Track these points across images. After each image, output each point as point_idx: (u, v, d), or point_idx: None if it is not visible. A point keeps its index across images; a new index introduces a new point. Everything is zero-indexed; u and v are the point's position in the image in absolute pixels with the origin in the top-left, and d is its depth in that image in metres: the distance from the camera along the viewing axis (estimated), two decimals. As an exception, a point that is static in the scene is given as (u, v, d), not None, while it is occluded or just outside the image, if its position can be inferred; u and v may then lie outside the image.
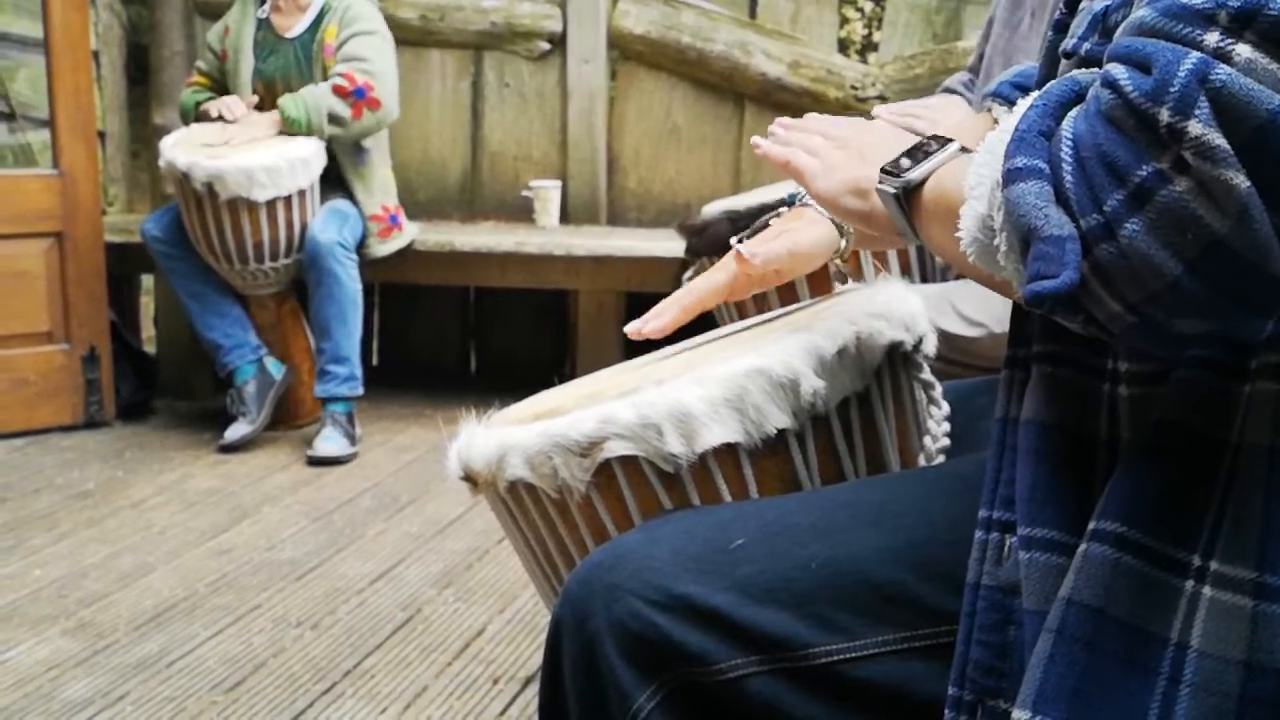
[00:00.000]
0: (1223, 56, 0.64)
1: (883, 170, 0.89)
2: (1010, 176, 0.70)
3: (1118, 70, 0.67)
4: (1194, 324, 0.68)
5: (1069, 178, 0.68)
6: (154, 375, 4.11)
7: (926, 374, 1.15)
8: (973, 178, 0.75)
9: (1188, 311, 0.67)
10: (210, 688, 2.08)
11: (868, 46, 4.19)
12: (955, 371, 1.55)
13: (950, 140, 0.88)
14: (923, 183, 0.87)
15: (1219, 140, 0.63)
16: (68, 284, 3.68)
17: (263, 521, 2.93)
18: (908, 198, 0.87)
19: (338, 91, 3.46)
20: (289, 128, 3.45)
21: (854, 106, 3.95)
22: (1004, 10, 1.80)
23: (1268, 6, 0.63)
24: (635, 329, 1.15)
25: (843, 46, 4.17)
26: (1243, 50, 0.64)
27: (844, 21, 4.17)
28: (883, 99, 3.93)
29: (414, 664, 2.18)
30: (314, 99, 3.45)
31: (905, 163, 0.88)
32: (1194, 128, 0.63)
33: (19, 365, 3.62)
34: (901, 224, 0.89)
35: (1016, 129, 0.72)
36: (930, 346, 1.15)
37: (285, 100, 3.45)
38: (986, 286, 0.83)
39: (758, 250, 1.13)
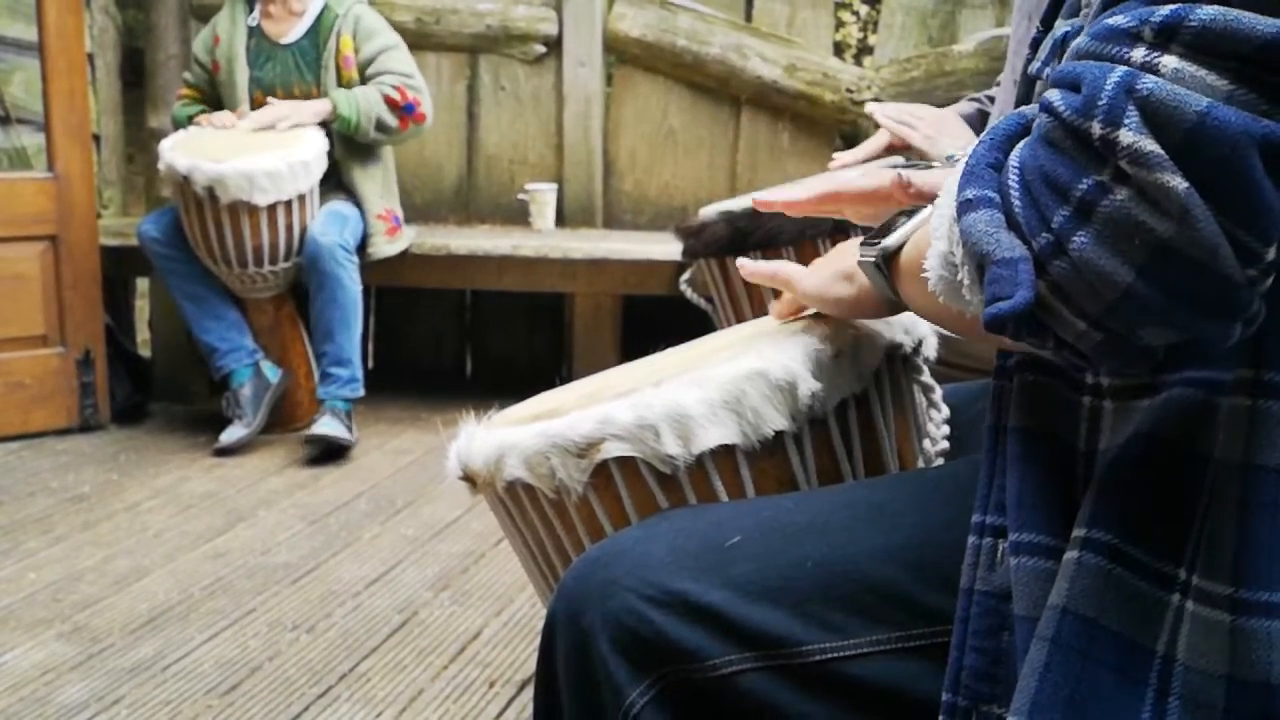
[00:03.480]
0: (1150, 69, 0.65)
1: (862, 244, 0.93)
2: (962, 208, 0.72)
3: (1052, 94, 0.69)
4: (1158, 333, 0.69)
5: (1017, 202, 0.70)
6: (149, 378, 4.10)
7: (926, 377, 1.15)
8: (935, 220, 0.77)
9: (1147, 320, 0.68)
10: (206, 691, 2.07)
11: (863, 50, 4.20)
12: (955, 374, 1.55)
13: (922, 207, 0.92)
14: (900, 249, 0.91)
15: (1151, 145, 0.64)
16: (63, 287, 3.68)
17: (258, 525, 2.93)
18: (887, 264, 0.91)
19: (389, 103, 3.52)
20: (338, 124, 3.50)
21: (850, 110, 3.96)
22: (1015, 18, 1.81)
23: (1188, 18, 0.65)
24: (762, 199, 1.17)
25: (838, 50, 4.18)
26: (1169, 61, 0.65)
27: (840, 25, 4.17)
28: (878, 102, 3.94)
29: (410, 667, 2.17)
30: (367, 103, 3.50)
31: (882, 234, 0.93)
32: (1125, 136, 0.65)
33: (14, 369, 3.62)
34: (884, 290, 0.93)
35: (965, 165, 0.74)
36: (930, 349, 1.15)
37: (339, 96, 3.49)
38: (964, 337, 0.86)
39: (914, 178, 1.11)
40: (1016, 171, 0.70)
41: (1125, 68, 0.66)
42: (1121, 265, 0.66)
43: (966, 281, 0.73)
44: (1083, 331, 0.70)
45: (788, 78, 4.04)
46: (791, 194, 1.14)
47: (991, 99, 2.15)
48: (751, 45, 4.06)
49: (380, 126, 3.53)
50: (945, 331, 1.70)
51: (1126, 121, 0.65)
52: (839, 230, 2.29)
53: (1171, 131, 0.64)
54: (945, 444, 1.15)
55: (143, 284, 4.33)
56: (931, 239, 0.77)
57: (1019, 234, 0.70)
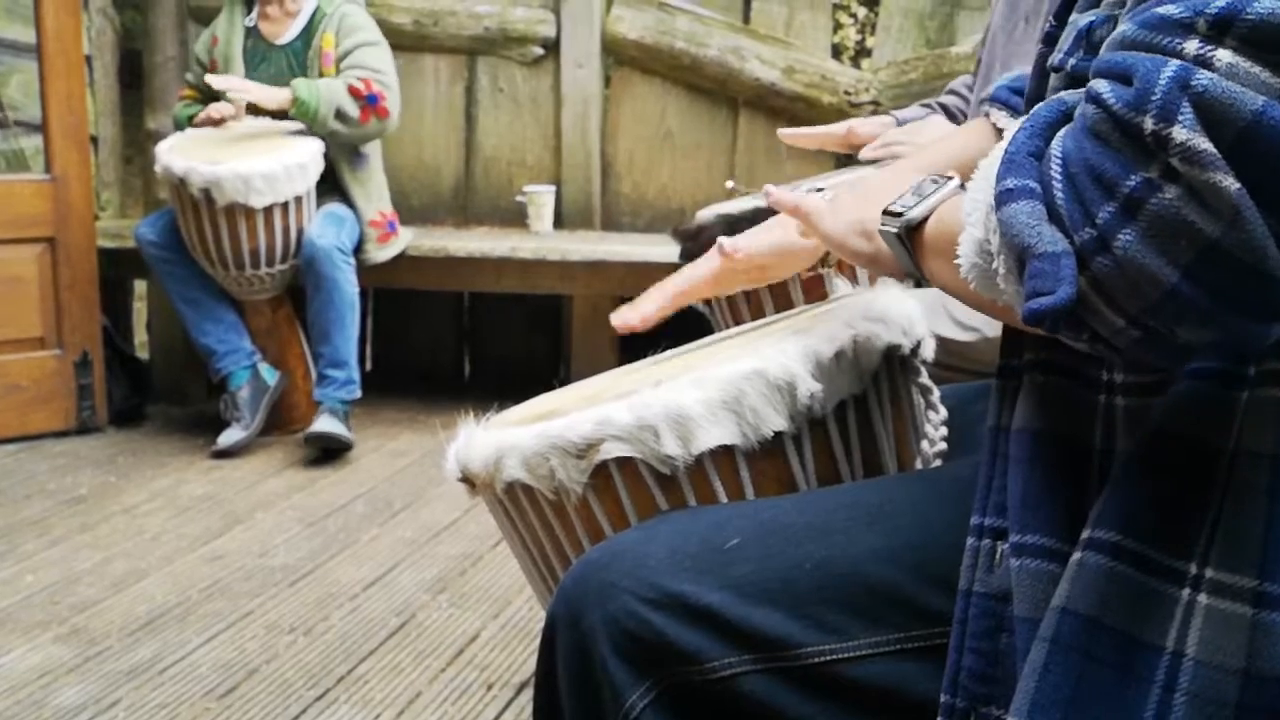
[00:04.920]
0: (1203, 63, 0.64)
1: (885, 211, 0.90)
2: (1002, 198, 0.71)
3: (1100, 85, 0.68)
4: (1197, 333, 0.68)
5: (1060, 195, 0.68)
6: (147, 381, 4.10)
7: (924, 378, 1.15)
8: (968, 204, 0.75)
9: (1189, 320, 0.67)
10: (203, 694, 2.07)
11: (861, 52, 4.20)
12: (949, 376, 1.55)
13: (951, 177, 0.89)
14: (924, 221, 0.87)
15: (1205, 144, 0.63)
16: (60, 289, 3.67)
17: (256, 527, 2.93)
18: (910, 236, 0.88)
19: (352, 92, 3.48)
20: (296, 108, 3.44)
21: (848, 112, 3.96)
22: (1001, 16, 1.80)
23: (1245, 11, 0.64)
24: (619, 321, 1.16)
25: (836, 52, 4.18)
26: (1223, 56, 0.64)
27: (838, 27, 4.17)
28: (876, 104, 3.94)
29: (407, 670, 2.17)
30: (328, 90, 3.45)
31: (907, 202, 0.89)
32: (1179, 133, 0.63)
33: (12, 371, 3.61)
34: (906, 263, 0.90)
35: (1006, 152, 0.72)
36: (929, 351, 1.15)
37: (299, 83, 3.45)
38: (993, 317, 0.84)
39: (740, 244, 1.13)
40: (1059, 162, 0.69)
41: (1179, 62, 0.64)
42: (1166, 265, 0.65)
43: (1002, 271, 0.72)
44: (1120, 328, 0.69)
45: (786, 80, 4.04)
46: (643, 308, 1.15)
47: (944, 106, 2.14)
48: (749, 47, 4.06)
49: (340, 116, 3.46)
50: (954, 329, 1.71)
51: (1181, 118, 0.63)
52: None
53: (1225, 130, 0.63)
54: (943, 445, 1.15)
55: (140, 286, 4.32)
56: (965, 224, 0.75)
57: (1061, 227, 0.68)
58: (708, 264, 1.16)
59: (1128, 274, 0.66)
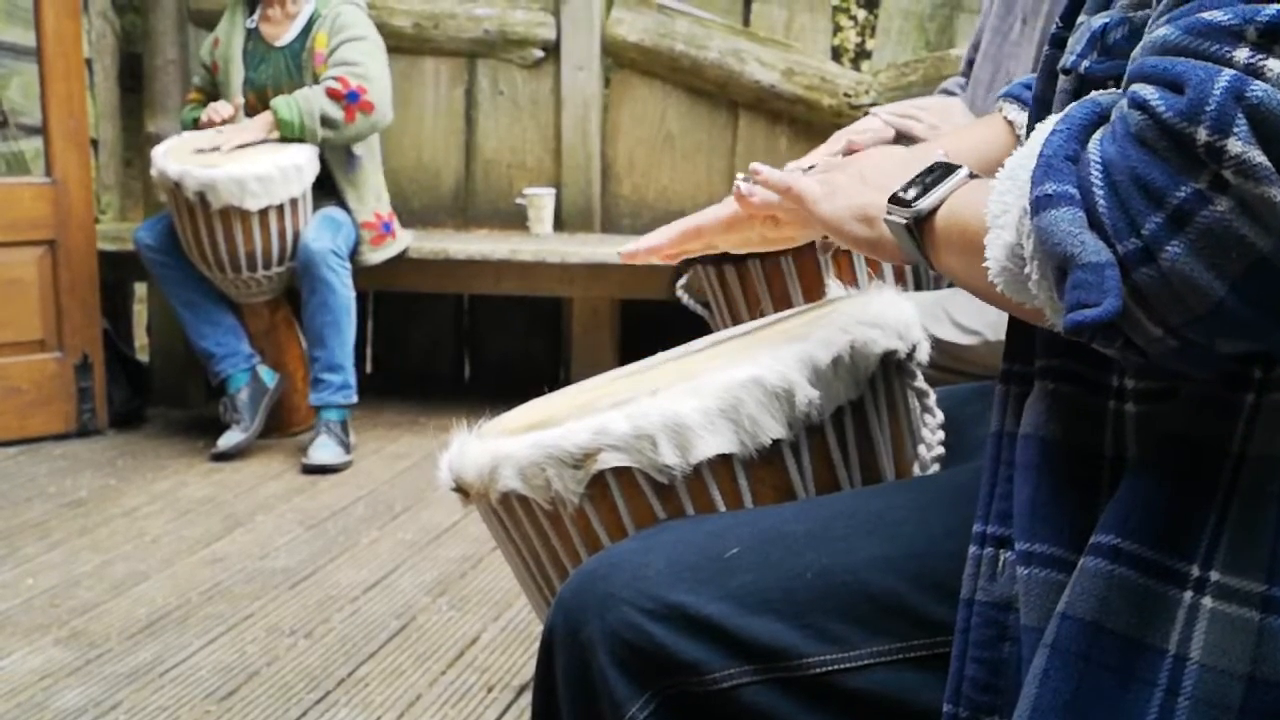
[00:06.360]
0: (1254, 72, 0.63)
1: (891, 199, 0.87)
2: (1040, 204, 0.69)
3: (1147, 90, 0.66)
4: (1235, 344, 0.68)
5: (1102, 202, 0.67)
6: (147, 383, 4.10)
7: (920, 382, 1.14)
8: (995, 206, 0.74)
9: (1230, 332, 0.66)
10: (204, 697, 2.07)
11: (861, 54, 4.20)
12: (947, 378, 1.55)
13: (957, 166, 0.87)
14: (933, 211, 0.85)
15: (1260, 157, 0.62)
16: (60, 292, 3.68)
17: (256, 530, 2.93)
18: (918, 226, 0.86)
19: (331, 95, 3.46)
20: (282, 129, 3.45)
21: (847, 114, 3.96)
22: (995, 17, 1.80)
23: None
24: (625, 252, 1.13)
25: (836, 54, 4.18)
26: (1274, 65, 0.63)
27: (837, 29, 4.18)
28: (876, 106, 3.94)
29: (408, 672, 2.17)
30: (307, 101, 3.45)
31: (913, 191, 0.86)
32: (1234, 146, 0.62)
33: (12, 373, 3.61)
34: (913, 254, 0.88)
35: (1041, 155, 0.70)
36: (924, 354, 1.15)
37: (278, 102, 3.45)
38: (1013, 314, 0.82)
39: (755, 190, 1.09)
40: (1100, 168, 0.67)
41: (1232, 71, 0.63)
42: (1215, 279, 0.64)
43: (1035, 277, 0.70)
44: (1157, 338, 0.68)
45: (785, 82, 4.04)
46: (653, 240, 1.12)
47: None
48: (749, 50, 4.06)
49: (327, 122, 3.45)
50: (954, 332, 1.71)
51: (1236, 130, 0.62)
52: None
53: (1279, 144, 0.62)
54: (941, 449, 1.15)
55: (141, 289, 4.33)
56: (992, 225, 0.73)
57: (1102, 235, 0.67)
58: (725, 207, 1.11)
59: (1173, 286, 0.65)
